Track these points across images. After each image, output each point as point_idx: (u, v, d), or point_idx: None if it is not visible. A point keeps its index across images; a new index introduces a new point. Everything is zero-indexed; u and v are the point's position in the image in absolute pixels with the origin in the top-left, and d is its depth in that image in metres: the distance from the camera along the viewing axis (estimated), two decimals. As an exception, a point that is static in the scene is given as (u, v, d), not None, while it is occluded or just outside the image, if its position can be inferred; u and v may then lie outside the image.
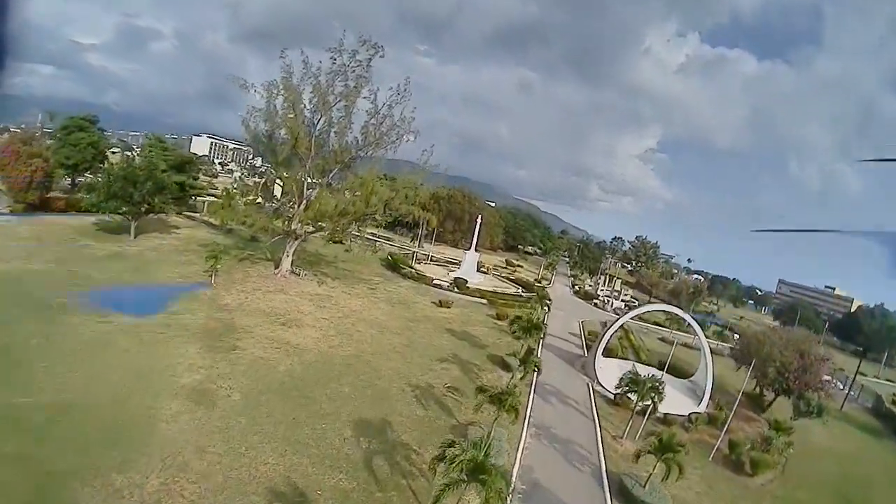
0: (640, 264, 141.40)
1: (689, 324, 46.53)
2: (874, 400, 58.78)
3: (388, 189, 50.85)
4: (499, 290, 70.78)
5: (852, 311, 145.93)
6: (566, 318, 64.71)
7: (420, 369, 33.34)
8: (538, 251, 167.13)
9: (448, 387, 31.18)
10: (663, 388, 29.29)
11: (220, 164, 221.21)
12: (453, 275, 73.09)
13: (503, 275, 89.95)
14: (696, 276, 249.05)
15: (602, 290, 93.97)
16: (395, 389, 29.09)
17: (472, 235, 79.13)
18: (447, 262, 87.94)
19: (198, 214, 72.07)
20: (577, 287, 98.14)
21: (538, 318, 44.00)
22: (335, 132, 49.71)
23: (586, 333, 57.88)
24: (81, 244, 45.87)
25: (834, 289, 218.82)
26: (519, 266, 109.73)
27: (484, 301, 61.36)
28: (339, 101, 47.75)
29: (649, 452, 22.82)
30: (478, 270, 77.67)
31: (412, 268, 73.39)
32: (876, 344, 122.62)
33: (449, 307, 53.50)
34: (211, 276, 41.54)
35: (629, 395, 30.21)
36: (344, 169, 53.17)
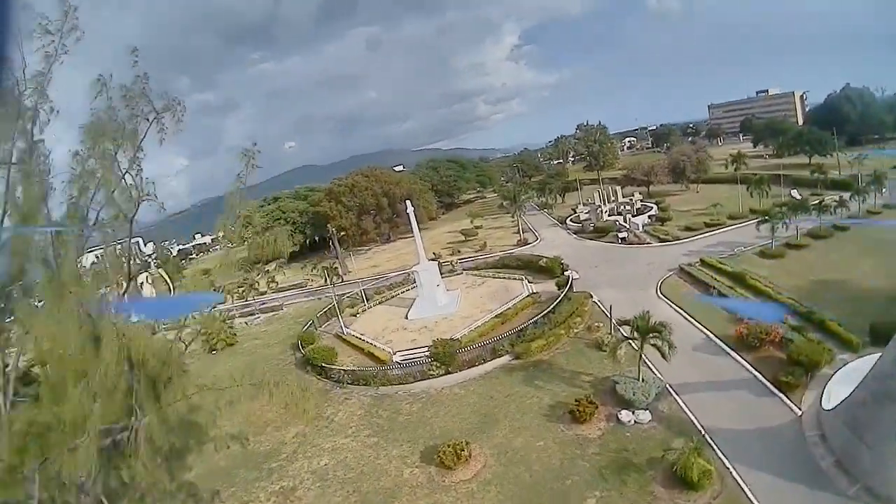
0: (595, 157, 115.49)
1: None
2: None
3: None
4: (498, 305, 40.92)
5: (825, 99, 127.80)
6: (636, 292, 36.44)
7: None
8: (478, 193, 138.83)
9: None
10: None
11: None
12: (413, 316, 42.56)
13: (477, 260, 59.86)
14: (629, 138, 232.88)
15: (604, 210, 66.07)
16: None
17: (409, 232, 47.96)
18: (388, 280, 56.93)
19: None
20: (574, 225, 69.70)
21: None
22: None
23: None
24: None
25: (766, 91, 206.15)
26: (478, 229, 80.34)
27: (501, 361, 31.58)
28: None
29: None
30: (442, 277, 47.43)
31: (342, 337, 42.30)
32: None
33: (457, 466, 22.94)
34: None
35: None
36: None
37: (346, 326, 45.08)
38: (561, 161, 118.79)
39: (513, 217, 71.73)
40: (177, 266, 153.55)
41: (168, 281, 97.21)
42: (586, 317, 35.18)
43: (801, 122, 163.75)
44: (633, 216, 62.53)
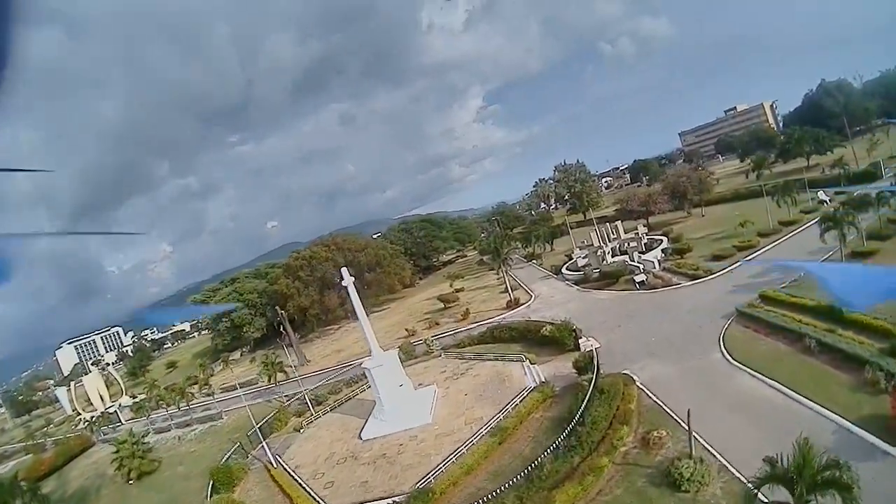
0: (578, 197, 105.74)
1: None
2: None
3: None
4: (492, 409, 27.32)
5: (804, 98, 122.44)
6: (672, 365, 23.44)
7: None
8: (457, 252, 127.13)
9: None
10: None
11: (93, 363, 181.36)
12: (368, 435, 28.76)
13: (459, 334, 46.26)
14: (605, 178, 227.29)
15: (606, 251, 53.79)
16: None
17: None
18: (352, 369, 43.18)
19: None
20: (572, 273, 57.22)
21: None
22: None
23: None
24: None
25: (734, 108, 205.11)
26: (458, 293, 67.50)
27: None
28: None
29: None
30: (406, 378, 33.86)
31: (271, 472, 28.24)
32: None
33: None
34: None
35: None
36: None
37: (276, 456, 30.96)
38: (544, 206, 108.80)
39: (497, 273, 59.22)
40: (143, 359, 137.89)
41: (119, 382, 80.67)
42: (634, 419, 21.73)
43: (777, 129, 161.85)
44: (643, 253, 50.54)
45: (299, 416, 38.96)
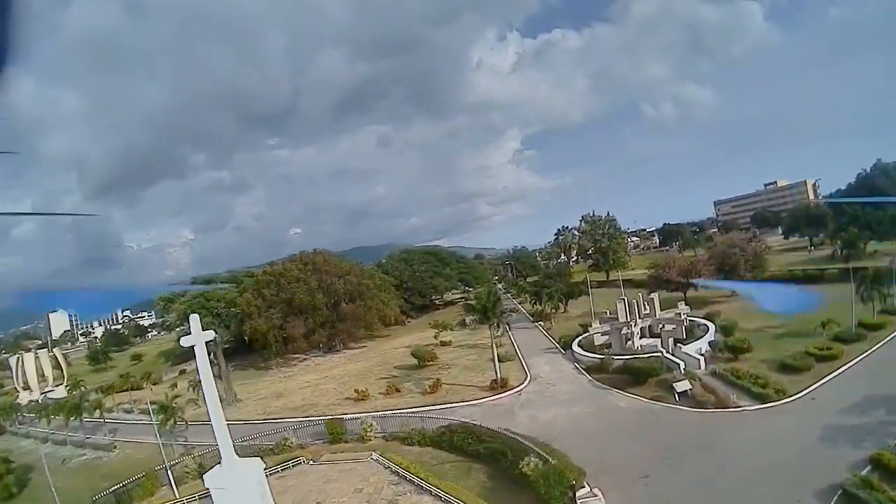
0: (603, 254, 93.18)
1: None
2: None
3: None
4: None
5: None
6: None
7: None
8: (464, 294, 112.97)
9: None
10: None
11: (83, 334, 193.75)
12: None
13: (413, 417, 33.03)
14: (632, 239, 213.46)
15: (634, 331, 40.37)
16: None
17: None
18: (276, 430, 30.48)
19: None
20: (586, 355, 43.99)
21: None
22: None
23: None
24: None
25: (775, 182, 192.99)
26: (443, 346, 54.84)
27: None
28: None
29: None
30: None
31: None
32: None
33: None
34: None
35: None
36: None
37: None
38: (564, 258, 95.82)
39: (493, 336, 46.18)
40: (115, 344, 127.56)
41: (62, 366, 70.00)
42: None
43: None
44: (683, 343, 37.39)
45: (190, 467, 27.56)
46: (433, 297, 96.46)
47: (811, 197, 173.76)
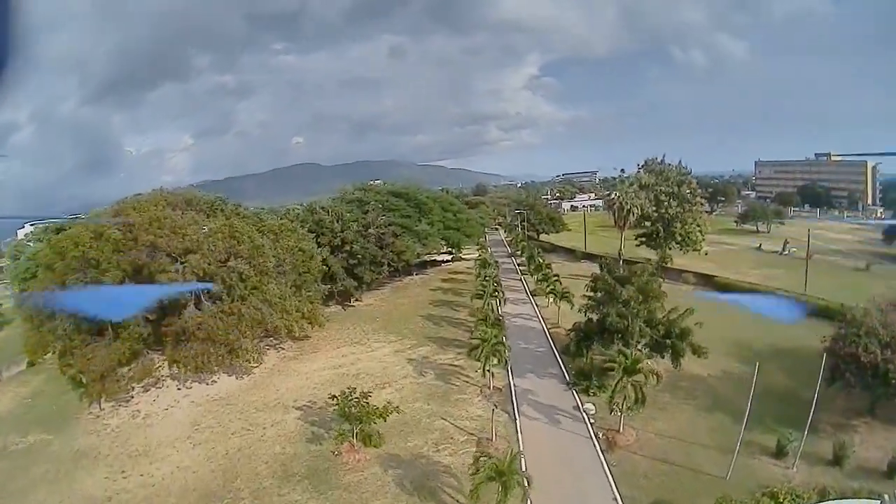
0: (667, 224, 62.79)
1: None
2: None
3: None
4: None
5: None
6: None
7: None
8: (451, 254, 78.60)
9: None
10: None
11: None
12: None
13: None
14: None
15: None
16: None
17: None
18: None
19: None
20: None
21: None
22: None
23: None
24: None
25: (828, 155, 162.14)
26: (382, 388, 26.30)
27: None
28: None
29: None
30: None
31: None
32: None
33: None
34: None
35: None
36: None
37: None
38: (615, 219, 61.00)
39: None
40: None
41: None
42: None
43: (870, 196, 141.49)
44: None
45: None
46: (396, 263, 58.93)
47: (869, 179, 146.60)
